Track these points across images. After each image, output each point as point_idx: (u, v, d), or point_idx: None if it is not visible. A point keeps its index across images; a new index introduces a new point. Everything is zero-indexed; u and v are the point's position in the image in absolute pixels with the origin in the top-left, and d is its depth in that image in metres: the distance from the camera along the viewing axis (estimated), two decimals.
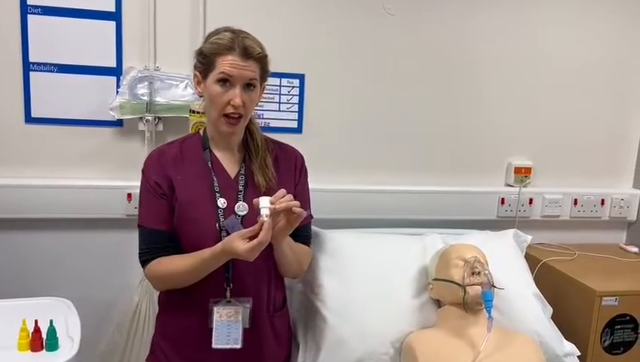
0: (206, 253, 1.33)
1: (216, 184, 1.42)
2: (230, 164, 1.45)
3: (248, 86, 1.36)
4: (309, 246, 1.57)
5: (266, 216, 1.24)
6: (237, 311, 1.40)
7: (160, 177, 1.41)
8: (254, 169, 1.44)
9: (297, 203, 1.28)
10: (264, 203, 1.25)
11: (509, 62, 2.18)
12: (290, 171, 1.51)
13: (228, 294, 1.42)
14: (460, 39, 2.13)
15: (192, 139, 1.50)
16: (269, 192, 1.34)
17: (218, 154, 1.45)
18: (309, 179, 1.58)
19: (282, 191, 1.29)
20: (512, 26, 2.16)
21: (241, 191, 1.42)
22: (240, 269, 1.41)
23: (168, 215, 1.41)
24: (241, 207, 1.40)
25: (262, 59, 1.38)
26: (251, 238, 1.25)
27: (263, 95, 1.97)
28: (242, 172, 1.45)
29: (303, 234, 1.52)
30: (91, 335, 1.93)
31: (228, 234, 1.32)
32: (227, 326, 1.40)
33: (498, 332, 1.53)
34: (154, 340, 1.54)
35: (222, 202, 1.40)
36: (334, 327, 1.64)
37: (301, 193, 1.50)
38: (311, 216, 1.52)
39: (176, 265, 1.38)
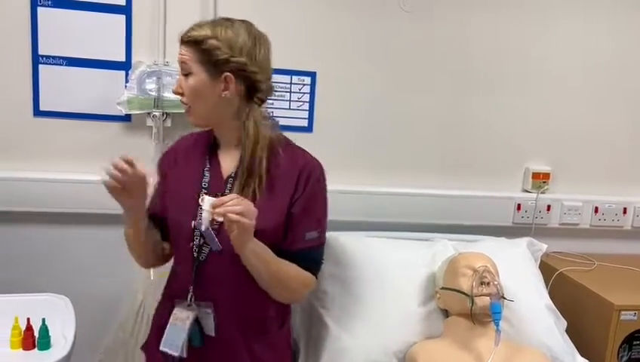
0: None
1: (206, 181, 1.33)
2: (228, 162, 1.35)
3: (186, 73, 1.26)
4: (313, 273, 1.35)
5: (205, 225, 1.12)
6: (187, 316, 1.30)
7: (162, 163, 1.43)
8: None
9: (239, 209, 1.12)
10: (206, 205, 1.12)
11: (529, 63, 2.11)
12: (288, 180, 1.31)
13: (190, 295, 1.31)
14: (478, 38, 2.06)
15: (209, 131, 1.40)
16: (258, 200, 1.25)
17: (221, 150, 1.37)
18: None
19: (231, 195, 1.16)
20: (533, 26, 2.08)
21: (227, 193, 1.30)
22: (203, 270, 1.32)
23: (157, 198, 1.38)
24: (205, 200, 1.19)
25: (191, 43, 1.24)
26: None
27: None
28: (233, 172, 1.33)
29: (303, 258, 1.32)
30: (95, 332, 1.93)
31: (201, 234, 1.26)
32: (175, 329, 1.31)
33: (507, 346, 1.46)
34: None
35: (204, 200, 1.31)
36: (337, 335, 1.60)
37: (303, 209, 1.31)
38: (319, 240, 1.34)
39: None
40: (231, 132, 1.32)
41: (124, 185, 1.20)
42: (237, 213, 1.12)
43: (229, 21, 1.28)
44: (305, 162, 1.34)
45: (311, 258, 1.34)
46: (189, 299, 1.32)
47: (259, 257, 1.24)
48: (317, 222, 1.34)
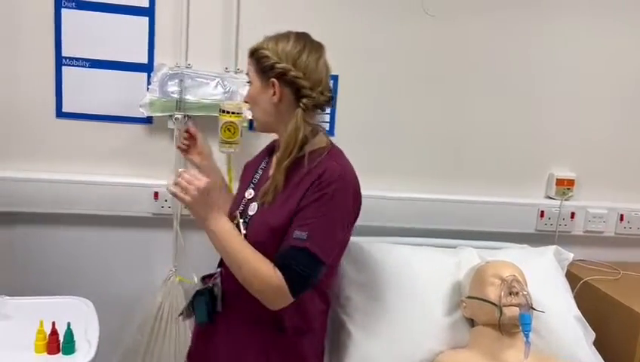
0: None
1: (256, 177, 1.47)
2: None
3: (248, 82, 1.42)
4: (283, 274, 1.26)
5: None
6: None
7: (246, 163, 1.61)
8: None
9: (177, 179, 1.29)
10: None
11: (553, 67, 2.07)
12: (305, 183, 1.32)
13: (216, 274, 1.46)
14: (501, 43, 2.03)
15: None
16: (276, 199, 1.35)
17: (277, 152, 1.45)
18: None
19: (187, 170, 1.32)
20: (558, 30, 2.05)
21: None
22: None
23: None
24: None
25: (250, 55, 1.39)
26: None
27: None
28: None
29: (280, 254, 1.28)
30: (113, 334, 1.92)
31: (244, 221, 1.38)
32: None
33: (535, 358, 1.43)
34: None
35: (249, 193, 1.45)
36: (360, 343, 1.58)
37: (303, 209, 1.30)
38: (305, 243, 1.26)
39: None
40: (278, 134, 1.45)
41: (188, 147, 1.64)
42: (175, 183, 1.30)
43: (285, 34, 1.38)
44: (327, 168, 1.32)
45: (287, 256, 1.27)
46: (217, 273, 1.46)
47: (215, 238, 1.32)
48: (309, 224, 1.28)
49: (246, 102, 1.46)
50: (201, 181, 1.28)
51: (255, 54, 1.37)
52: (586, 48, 2.08)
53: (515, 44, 2.04)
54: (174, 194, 1.30)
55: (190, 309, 1.47)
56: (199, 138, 1.63)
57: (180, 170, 1.33)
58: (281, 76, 1.33)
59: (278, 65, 1.32)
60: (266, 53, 1.34)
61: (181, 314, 1.53)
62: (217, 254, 1.46)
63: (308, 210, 1.29)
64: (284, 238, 1.30)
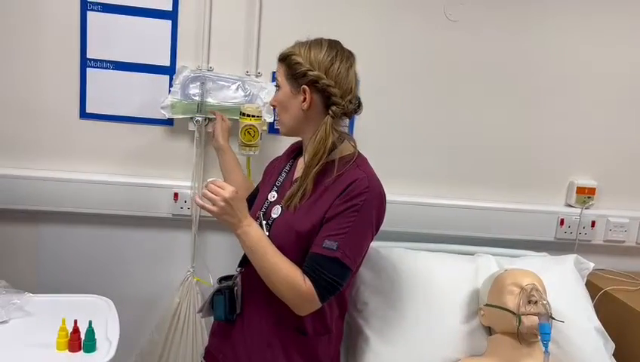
0: None
1: (280, 180, 1.48)
2: (301, 167, 1.43)
3: (277, 86, 1.42)
4: (312, 281, 1.29)
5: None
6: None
7: (267, 165, 1.64)
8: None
9: (207, 194, 1.32)
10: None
11: (575, 74, 2.05)
12: (332, 191, 1.34)
13: (236, 274, 1.47)
14: (523, 51, 2.01)
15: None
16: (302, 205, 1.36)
17: (303, 156, 1.45)
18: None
19: (215, 180, 1.35)
20: (578, 38, 2.03)
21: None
22: None
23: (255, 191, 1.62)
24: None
25: (281, 60, 1.40)
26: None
27: None
28: (299, 176, 1.43)
29: (309, 261, 1.31)
30: (130, 334, 1.92)
31: (267, 223, 1.39)
32: None
33: None
34: None
35: (272, 195, 1.46)
36: (377, 349, 1.57)
37: (333, 217, 1.31)
38: (335, 253, 1.29)
39: None
40: (303, 138, 1.47)
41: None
42: (202, 195, 1.34)
43: (317, 41, 1.39)
44: (356, 178, 1.34)
45: (316, 264, 1.29)
46: (237, 272, 1.47)
47: (246, 244, 1.34)
48: (340, 234, 1.30)
49: (273, 106, 1.46)
50: (227, 191, 1.31)
51: (287, 60, 1.37)
52: (605, 54, 2.05)
53: (535, 50, 2.02)
54: (202, 206, 1.33)
55: (210, 307, 1.48)
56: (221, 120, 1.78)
57: (209, 180, 1.36)
58: (313, 83, 1.34)
59: (310, 73, 1.33)
60: (299, 59, 1.35)
61: (200, 310, 1.54)
62: (235, 256, 1.48)
63: (337, 220, 1.31)
64: (307, 244, 1.32)
